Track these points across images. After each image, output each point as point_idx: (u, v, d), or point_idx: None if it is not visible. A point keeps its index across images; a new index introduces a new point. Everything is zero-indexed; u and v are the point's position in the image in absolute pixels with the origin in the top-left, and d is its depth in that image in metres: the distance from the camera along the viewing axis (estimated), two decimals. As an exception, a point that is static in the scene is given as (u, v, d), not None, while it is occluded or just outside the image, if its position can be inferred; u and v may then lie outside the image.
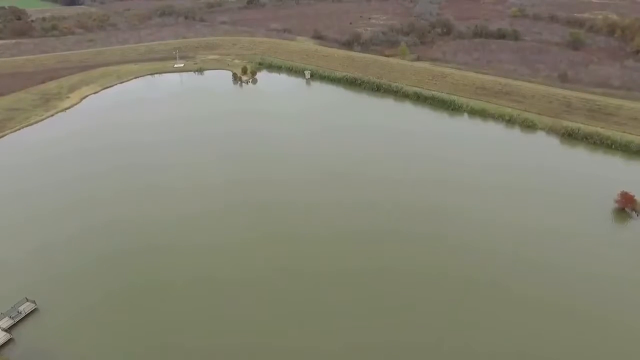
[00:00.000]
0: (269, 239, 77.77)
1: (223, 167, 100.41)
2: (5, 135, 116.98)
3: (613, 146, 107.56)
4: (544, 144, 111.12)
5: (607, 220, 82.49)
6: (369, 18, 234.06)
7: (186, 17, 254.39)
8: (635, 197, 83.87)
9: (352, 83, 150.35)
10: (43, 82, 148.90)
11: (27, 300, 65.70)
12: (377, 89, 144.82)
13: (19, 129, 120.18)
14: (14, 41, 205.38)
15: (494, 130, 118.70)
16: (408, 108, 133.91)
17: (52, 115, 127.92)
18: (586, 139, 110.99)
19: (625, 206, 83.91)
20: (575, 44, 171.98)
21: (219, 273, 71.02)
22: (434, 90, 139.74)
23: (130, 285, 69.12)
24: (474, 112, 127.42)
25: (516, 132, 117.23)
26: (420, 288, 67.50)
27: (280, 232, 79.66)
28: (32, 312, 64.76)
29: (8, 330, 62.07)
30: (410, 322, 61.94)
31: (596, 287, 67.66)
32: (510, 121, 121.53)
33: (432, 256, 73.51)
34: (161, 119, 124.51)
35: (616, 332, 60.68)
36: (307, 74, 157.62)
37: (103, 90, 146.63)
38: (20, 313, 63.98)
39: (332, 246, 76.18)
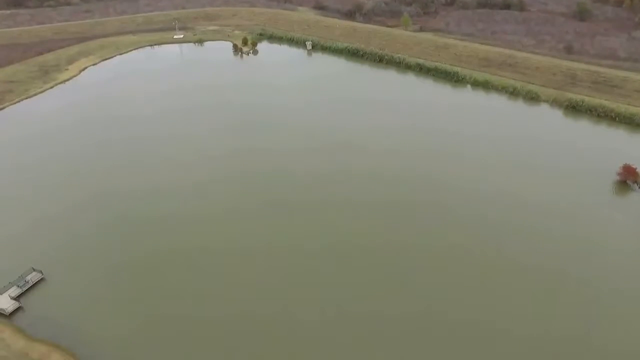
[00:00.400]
0: (269, 209, 78.41)
1: (223, 138, 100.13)
2: (5, 108, 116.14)
3: (617, 119, 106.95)
4: (547, 116, 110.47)
5: (608, 192, 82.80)
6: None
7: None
8: (637, 170, 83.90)
9: (354, 54, 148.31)
10: (40, 53, 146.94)
11: (34, 270, 66.66)
12: (380, 60, 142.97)
13: (18, 102, 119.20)
14: (9, 12, 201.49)
15: (497, 102, 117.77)
16: (411, 80, 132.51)
17: (51, 88, 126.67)
18: (590, 111, 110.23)
19: (627, 179, 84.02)
20: (582, 15, 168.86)
21: (220, 242, 71.74)
22: (436, 62, 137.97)
23: (133, 254, 69.99)
24: (477, 84, 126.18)
25: (519, 104, 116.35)
26: (421, 258, 68.32)
27: (280, 201, 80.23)
28: (39, 281, 65.79)
29: (17, 298, 63.22)
30: (412, 291, 63.05)
31: (594, 256, 68.58)
32: (513, 93, 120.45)
33: (433, 228, 74.09)
34: (161, 90, 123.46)
35: (612, 298, 61.80)
36: (309, 44, 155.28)
37: (102, 62, 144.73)
38: (28, 282, 65.00)
39: (332, 216, 76.78)
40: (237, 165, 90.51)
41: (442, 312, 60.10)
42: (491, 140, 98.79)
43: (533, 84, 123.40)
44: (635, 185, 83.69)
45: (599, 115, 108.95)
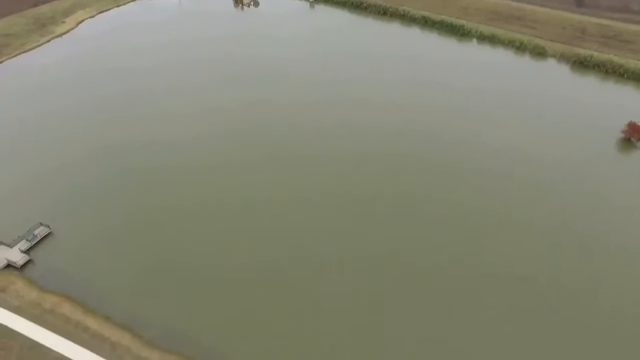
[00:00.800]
0: (269, 160, 79.16)
1: (223, 90, 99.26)
2: (2, 62, 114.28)
3: (625, 75, 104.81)
4: (554, 72, 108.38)
5: (612, 150, 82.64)
6: None
7: None
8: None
9: (357, 6, 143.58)
10: (35, 5, 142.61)
11: (42, 225, 67.93)
12: (384, 13, 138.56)
13: (15, 56, 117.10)
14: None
15: (502, 56, 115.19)
16: (415, 33, 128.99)
17: (48, 41, 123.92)
18: (598, 67, 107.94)
19: (632, 136, 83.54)
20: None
21: (221, 194, 73.03)
22: (442, 15, 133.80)
23: (136, 206, 71.33)
24: (483, 38, 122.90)
25: (525, 59, 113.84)
26: (424, 210, 69.32)
27: (280, 153, 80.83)
28: (46, 235, 67.20)
29: (26, 252, 64.80)
30: (413, 243, 64.44)
31: (597, 211, 69.58)
32: (520, 48, 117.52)
33: (436, 180, 74.70)
34: (160, 42, 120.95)
35: (615, 253, 63.27)
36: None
37: (99, 15, 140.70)
38: (36, 236, 66.42)
39: (333, 168, 77.55)
40: (237, 118, 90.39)
41: (444, 266, 61.66)
42: (496, 94, 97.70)
43: (541, 38, 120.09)
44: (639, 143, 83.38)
45: (606, 72, 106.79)
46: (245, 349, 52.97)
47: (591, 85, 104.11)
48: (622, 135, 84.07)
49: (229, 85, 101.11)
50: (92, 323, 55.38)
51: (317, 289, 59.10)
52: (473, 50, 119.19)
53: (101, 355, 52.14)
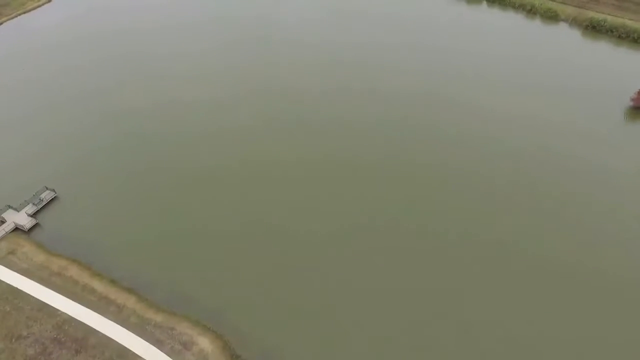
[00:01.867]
0: (273, 126, 79.37)
1: (227, 53, 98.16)
2: (2, 23, 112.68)
3: (639, 40, 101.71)
4: (565, 36, 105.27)
5: (620, 118, 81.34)
6: None
7: None
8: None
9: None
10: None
11: (47, 189, 68.84)
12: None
13: (16, 17, 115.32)
14: None
15: (513, 20, 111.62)
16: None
17: (49, 1, 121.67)
18: (611, 31, 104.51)
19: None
20: None
21: (221, 157, 73.67)
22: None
23: (144, 170, 72.02)
24: (493, 1, 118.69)
25: (536, 23, 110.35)
26: (423, 175, 69.47)
27: (284, 119, 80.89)
28: (52, 200, 68.22)
29: (33, 215, 66.02)
30: (409, 206, 64.97)
31: (596, 177, 69.33)
32: (531, 11, 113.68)
33: (434, 148, 74.39)
34: (161, 3, 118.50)
35: (613, 215, 63.67)
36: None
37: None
38: (42, 200, 67.45)
39: (331, 132, 77.70)
40: (241, 82, 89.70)
41: (440, 230, 62.30)
42: (504, 59, 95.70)
43: (553, 1, 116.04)
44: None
45: (620, 37, 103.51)
46: (248, 309, 54.48)
47: (603, 50, 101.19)
48: (631, 103, 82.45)
49: (231, 48, 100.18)
50: (99, 286, 56.97)
51: (318, 244, 60.24)
52: (482, 14, 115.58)
53: (108, 318, 53.88)
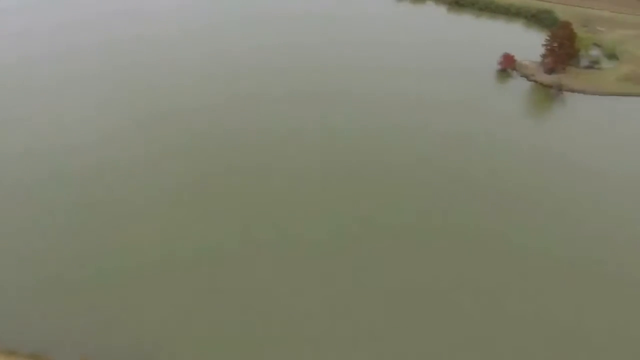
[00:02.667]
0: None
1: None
2: None
3: (496, 10, 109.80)
4: (432, 15, 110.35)
5: (492, 81, 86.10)
6: None
7: None
8: (515, 58, 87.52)
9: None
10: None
11: None
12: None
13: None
14: None
15: (376, 1, 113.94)
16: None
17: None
18: (472, 5, 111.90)
19: (507, 67, 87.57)
20: None
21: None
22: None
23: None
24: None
25: (405, 5, 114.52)
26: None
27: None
28: None
29: None
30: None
31: (476, 137, 69.33)
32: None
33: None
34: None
35: (495, 172, 62.50)
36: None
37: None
38: None
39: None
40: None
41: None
42: (370, 43, 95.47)
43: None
44: (514, 72, 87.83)
45: (480, 9, 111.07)
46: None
47: (468, 23, 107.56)
48: (499, 67, 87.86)
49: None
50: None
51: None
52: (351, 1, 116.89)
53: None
